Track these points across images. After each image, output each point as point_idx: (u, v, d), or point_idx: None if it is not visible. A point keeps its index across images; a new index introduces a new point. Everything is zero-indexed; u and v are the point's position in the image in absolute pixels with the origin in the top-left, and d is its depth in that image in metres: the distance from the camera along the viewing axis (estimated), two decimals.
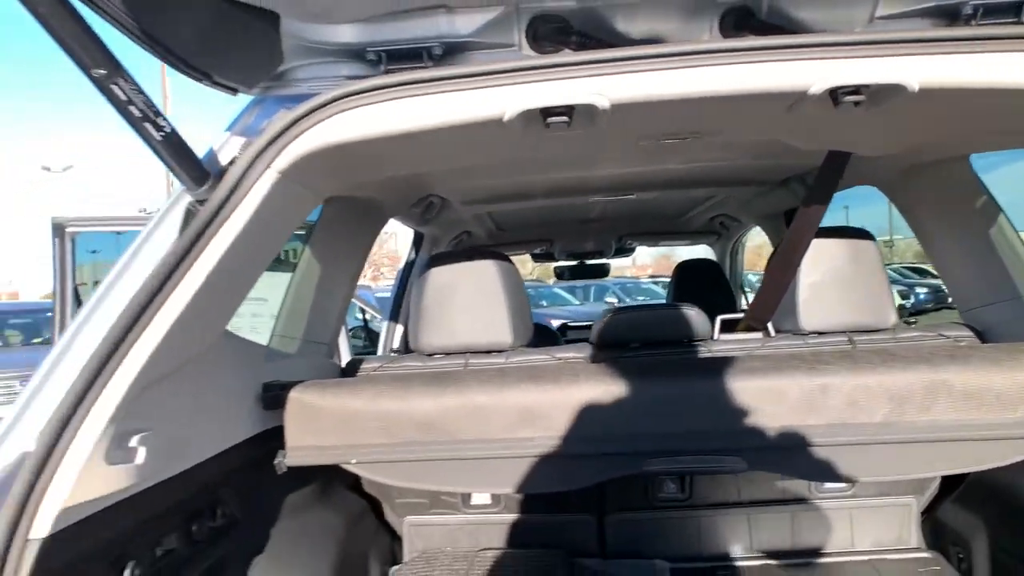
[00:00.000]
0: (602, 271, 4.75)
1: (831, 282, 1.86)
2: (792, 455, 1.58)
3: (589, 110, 1.26)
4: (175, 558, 1.31)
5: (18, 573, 0.91)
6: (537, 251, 4.32)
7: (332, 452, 1.61)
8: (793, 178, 2.65)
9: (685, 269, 3.76)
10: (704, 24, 1.38)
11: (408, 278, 3.29)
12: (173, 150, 1.19)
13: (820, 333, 1.88)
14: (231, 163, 1.31)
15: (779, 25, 1.34)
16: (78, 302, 3.12)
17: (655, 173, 2.44)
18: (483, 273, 1.95)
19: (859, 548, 2.04)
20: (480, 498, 2.18)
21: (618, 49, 1.23)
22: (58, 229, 2.96)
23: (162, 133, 1.16)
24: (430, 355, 1.98)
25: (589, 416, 1.60)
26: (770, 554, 2.10)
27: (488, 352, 1.95)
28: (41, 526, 0.95)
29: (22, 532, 0.93)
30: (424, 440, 1.59)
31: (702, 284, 3.56)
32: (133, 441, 1.16)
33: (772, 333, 2.00)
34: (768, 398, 1.57)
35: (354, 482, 2.12)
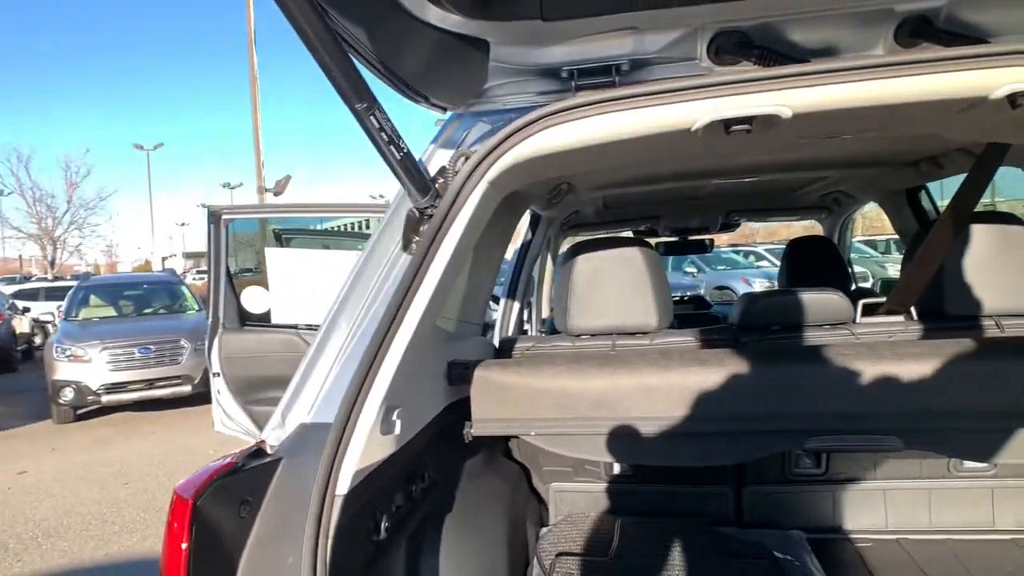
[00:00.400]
0: (704, 247, 4.79)
1: (979, 267, 1.91)
2: (947, 437, 1.68)
3: (771, 119, 1.37)
4: (401, 513, 1.53)
5: (330, 523, 1.12)
6: (641, 228, 4.41)
7: (513, 424, 1.80)
8: (924, 159, 2.66)
9: (798, 246, 3.77)
10: (880, 33, 1.45)
11: (525, 258, 3.46)
12: (406, 167, 1.37)
13: (966, 318, 1.94)
14: (440, 173, 1.48)
15: (956, 32, 1.40)
16: (230, 281, 3.42)
17: (789, 158, 2.50)
18: (629, 259, 2.08)
19: (1000, 527, 2.11)
20: (622, 468, 2.35)
21: (804, 64, 1.33)
22: (214, 216, 3.24)
23: (401, 153, 1.34)
24: (577, 336, 2.14)
25: (750, 395, 1.74)
26: (907, 530, 2.20)
27: (633, 334, 2.10)
28: (342, 484, 1.16)
29: (331, 489, 1.14)
30: (595, 415, 1.76)
31: (816, 261, 3.59)
32: (394, 415, 1.36)
33: (914, 317, 2.06)
34: (922, 381, 1.67)
35: (507, 451, 2.32)
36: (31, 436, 8.74)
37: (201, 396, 9.46)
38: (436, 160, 1.55)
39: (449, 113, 1.60)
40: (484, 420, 1.81)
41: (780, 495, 2.29)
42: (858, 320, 2.09)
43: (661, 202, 3.83)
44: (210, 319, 3.40)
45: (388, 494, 1.45)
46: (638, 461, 1.83)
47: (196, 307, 10.47)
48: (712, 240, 4.81)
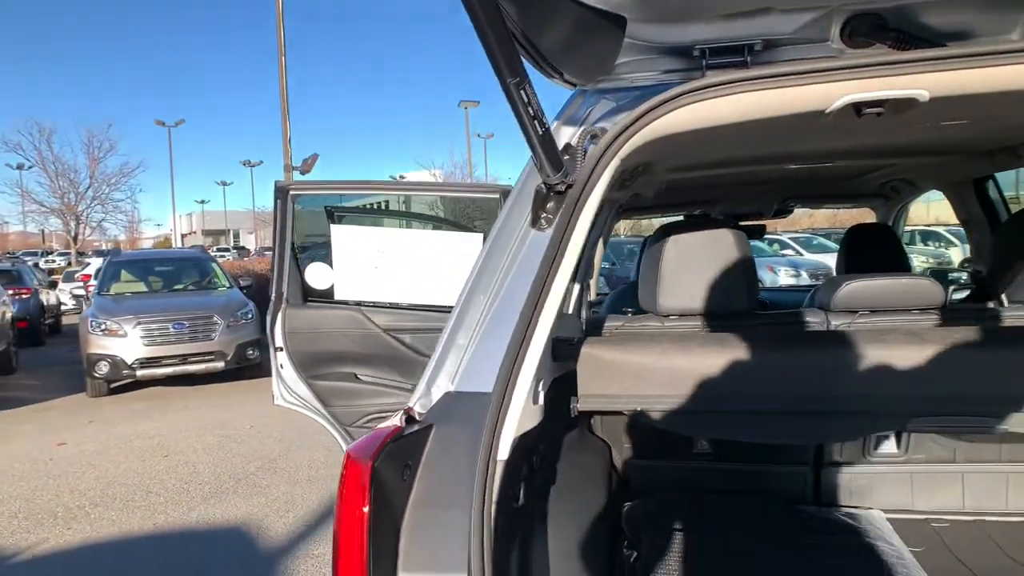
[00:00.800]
0: (757, 232, 4.73)
1: None
2: None
3: (907, 103, 1.37)
4: (527, 481, 1.56)
5: (492, 487, 1.16)
6: (695, 212, 4.40)
7: (619, 400, 1.82)
8: (1000, 149, 2.64)
9: (858, 233, 3.75)
10: (1016, 18, 1.45)
11: (587, 239, 3.46)
12: (544, 143, 1.38)
13: None
14: (566, 150, 1.50)
15: None
16: (295, 256, 3.46)
17: (875, 143, 2.47)
18: (720, 242, 2.10)
19: None
20: (702, 446, 2.38)
21: (944, 48, 1.33)
22: (281, 192, 3.28)
23: (543, 129, 1.36)
24: (666, 316, 2.16)
25: (851, 376, 1.76)
26: (986, 512, 2.22)
27: (722, 315, 2.11)
28: (503, 451, 1.19)
29: (493, 455, 1.17)
30: (702, 394, 1.78)
31: (876, 248, 3.57)
32: (539, 387, 1.39)
33: (1004, 303, 2.07)
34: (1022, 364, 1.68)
35: (589, 427, 2.35)
36: (67, 408, 8.90)
37: (231, 373, 9.60)
38: (559, 138, 1.56)
39: (574, 90, 1.61)
40: (590, 396, 1.84)
41: (858, 476, 2.32)
42: (948, 305, 2.10)
43: (721, 186, 3.82)
44: (273, 293, 3.44)
45: (520, 463, 1.48)
46: (742, 439, 1.86)
47: (227, 284, 10.56)
48: (764, 226, 4.77)
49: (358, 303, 3.43)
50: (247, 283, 10.93)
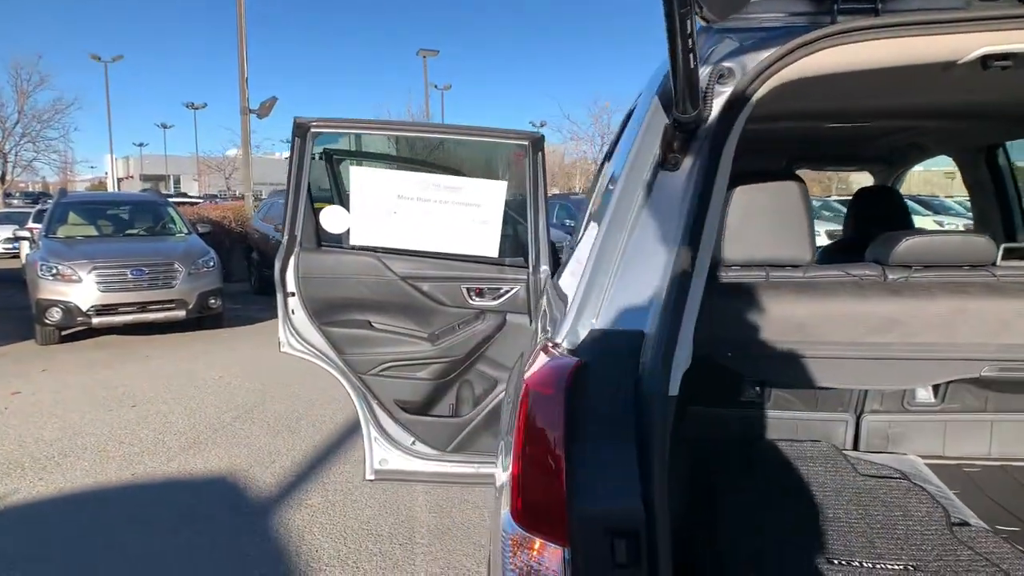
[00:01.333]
0: None
1: None
2: None
3: None
4: None
5: (667, 423, 1.15)
6: None
7: (700, 346, 1.83)
8: None
9: (864, 195, 3.85)
10: None
11: None
12: (689, 78, 1.34)
13: None
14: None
15: None
16: (311, 198, 3.33)
17: (961, 100, 2.47)
18: (784, 192, 2.11)
19: None
20: (749, 394, 2.44)
21: None
22: (300, 128, 3.13)
23: (693, 63, 1.32)
24: (728, 266, 2.17)
25: (932, 325, 1.82)
26: (1012, 458, 2.35)
27: (783, 267, 2.14)
28: (672, 387, 1.18)
29: (664, 390, 1.16)
30: (793, 339, 1.81)
31: (884, 211, 3.67)
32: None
33: None
34: None
35: None
36: (14, 356, 8.46)
37: (191, 323, 9.29)
38: None
39: (700, 26, 1.56)
40: None
41: (896, 424, 2.42)
42: (998, 263, 2.18)
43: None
44: (285, 237, 3.31)
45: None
46: (825, 384, 1.90)
47: (185, 230, 10.14)
48: None
49: (374, 249, 3.33)
50: (205, 230, 10.52)
